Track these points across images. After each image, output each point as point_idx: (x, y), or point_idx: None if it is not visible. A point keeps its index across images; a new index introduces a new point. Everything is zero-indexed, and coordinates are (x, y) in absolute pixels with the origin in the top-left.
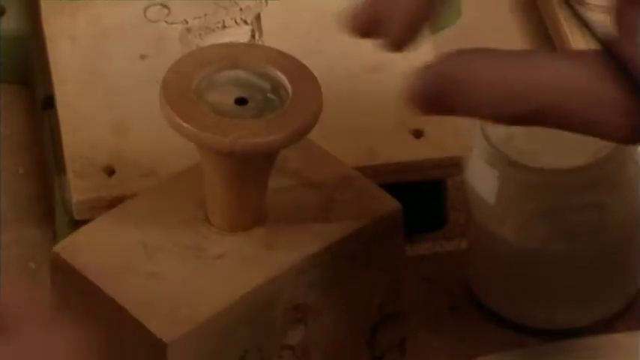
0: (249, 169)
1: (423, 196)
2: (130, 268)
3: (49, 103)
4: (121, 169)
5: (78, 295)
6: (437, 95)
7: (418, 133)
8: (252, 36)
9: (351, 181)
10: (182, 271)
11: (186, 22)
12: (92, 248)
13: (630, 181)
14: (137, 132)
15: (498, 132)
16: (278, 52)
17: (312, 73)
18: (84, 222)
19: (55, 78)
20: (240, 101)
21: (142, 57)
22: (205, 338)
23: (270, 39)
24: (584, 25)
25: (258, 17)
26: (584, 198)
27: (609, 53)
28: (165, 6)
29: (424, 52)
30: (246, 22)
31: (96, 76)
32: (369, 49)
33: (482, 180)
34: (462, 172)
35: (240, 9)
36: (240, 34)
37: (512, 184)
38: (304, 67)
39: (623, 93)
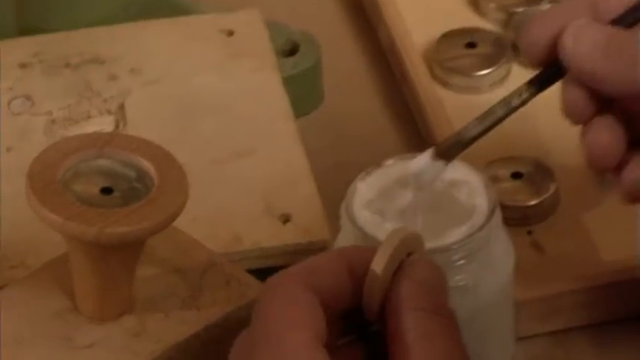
0: (117, 258)
1: None
2: None
3: None
4: None
5: None
6: None
7: (285, 218)
8: (117, 125)
9: (218, 267)
10: None
11: (51, 114)
12: None
13: (498, 262)
14: (6, 223)
15: (364, 214)
16: (142, 140)
17: (177, 161)
18: None
19: None
20: (106, 190)
21: (8, 149)
22: None
23: (135, 128)
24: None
25: (121, 107)
26: (452, 278)
27: None
28: (28, 98)
29: (288, 138)
30: (110, 112)
31: None
32: (234, 135)
33: None
34: None
35: (104, 99)
36: (104, 124)
37: None
38: (169, 155)
39: None
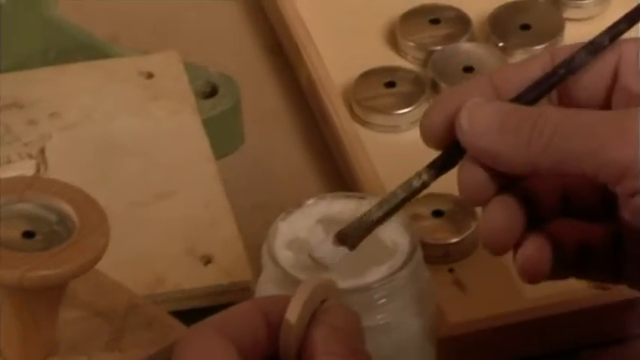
0: (40, 301)
1: None
2: None
3: None
4: None
5: None
6: None
7: (206, 259)
8: (38, 170)
9: (140, 309)
10: None
11: None
12: None
13: (420, 300)
14: None
15: (286, 254)
16: (63, 184)
17: (97, 204)
18: None
19: None
20: (28, 234)
21: None
22: None
23: (56, 172)
24: None
25: (42, 151)
26: (373, 317)
27: None
28: None
29: (209, 179)
30: (30, 157)
31: None
32: (155, 177)
33: None
34: (253, 296)
35: (24, 143)
36: (25, 168)
37: None
38: (89, 198)
39: None
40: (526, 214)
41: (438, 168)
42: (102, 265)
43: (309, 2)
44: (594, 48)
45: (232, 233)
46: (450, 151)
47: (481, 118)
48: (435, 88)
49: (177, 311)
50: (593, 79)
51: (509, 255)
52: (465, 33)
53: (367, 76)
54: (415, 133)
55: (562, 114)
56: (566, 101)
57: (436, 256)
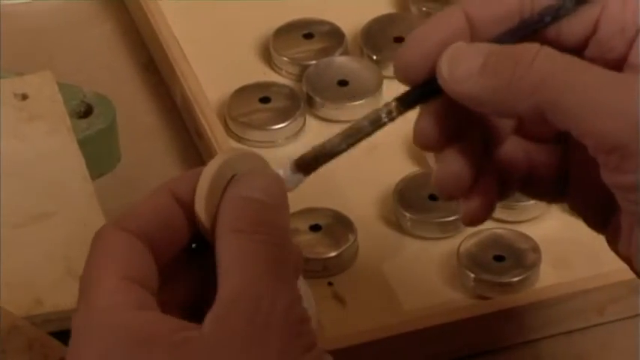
0: None
1: None
2: None
3: None
4: None
5: None
6: None
7: None
8: None
9: (20, 331)
10: None
11: None
12: None
13: None
14: None
15: None
16: None
17: None
18: None
19: None
20: None
21: None
22: None
23: None
24: None
25: None
26: None
27: None
28: None
29: (85, 199)
30: None
31: None
32: (31, 198)
33: None
34: None
35: None
36: None
37: None
38: None
39: None
40: (479, 158)
41: (409, 104)
42: None
43: (183, 19)
44: None
45: None
46: (424, 88)
47: (461, 64)
48: (310, 102)
49: (57, 332)
50: (573, 26)
51: (389, 266)
52: (339, 47)
53: (242, 92)
54: (291, 148)
55: (552, 61)
56: (539, 40)
57: (315, 270)
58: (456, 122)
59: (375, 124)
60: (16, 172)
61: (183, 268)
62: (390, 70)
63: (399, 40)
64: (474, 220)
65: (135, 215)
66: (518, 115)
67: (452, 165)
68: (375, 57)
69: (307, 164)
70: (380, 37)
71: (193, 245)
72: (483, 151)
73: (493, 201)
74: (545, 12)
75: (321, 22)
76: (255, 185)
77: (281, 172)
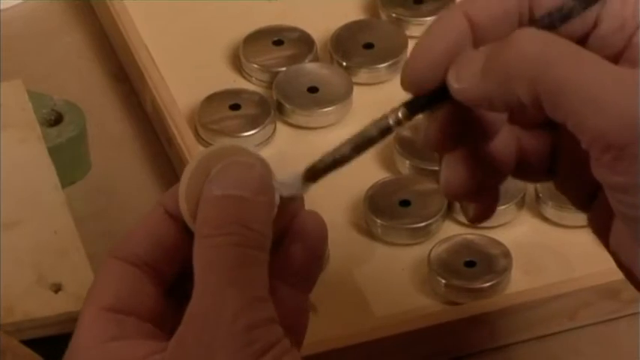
0: None
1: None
2: None
3: None
4: None
5: None
6: None
7: (56, 287)
8: None
9: None
10: None
11: None
12: None
13: None
14: None
15: None
16: None
17: None
18: None
19: None
20: None
21: None
22: None
23: None
24: None
25: None
26: None
27: None
28: None
29: (56, 207)
30: None
31: None
32: (1, 207)
33: None
34: None
35: None
36: None
37: None
38: None
39: None
40: (483, 159)
41: (417, 109)
42: None
43: (152, 27)
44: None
45: (81, 260)
46: (434, 95)
47: (466, 71)
48: (280, 109)
49: (29, 340)
50: (574, 21)
51: (359, 272)
52: (309, 53)
53: (212, 99)
54: (262, 155)
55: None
56: None
57: None
58: (462, 126)
59: (383, 131)
60: None
61: None
62: (360, 77)
63: (369, 46)
64: (483, 219)
65: (127, 241)
66: (523, 105)
67: (459, 170)
68: (345, 63)
69: (317, 173)
70: (350, 44)
71: None
72: (483, 150)
73: (497, 197)
74: (555, 14)
75: (291, 29)
76: (228, 180)
77: (291, 182)
